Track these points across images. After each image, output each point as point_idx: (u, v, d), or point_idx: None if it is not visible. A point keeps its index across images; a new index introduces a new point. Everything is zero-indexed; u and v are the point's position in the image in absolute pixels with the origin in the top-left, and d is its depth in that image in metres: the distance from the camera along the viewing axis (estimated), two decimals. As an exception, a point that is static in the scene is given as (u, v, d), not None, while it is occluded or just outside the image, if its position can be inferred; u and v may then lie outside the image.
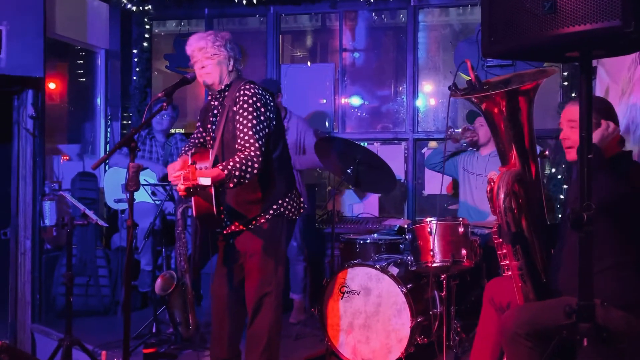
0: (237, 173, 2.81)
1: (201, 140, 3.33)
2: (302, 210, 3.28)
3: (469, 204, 4.43)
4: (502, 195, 2.56)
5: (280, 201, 3.15)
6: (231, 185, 2.84)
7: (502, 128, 2.71)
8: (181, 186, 2.63)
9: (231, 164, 2.82)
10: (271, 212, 3.12)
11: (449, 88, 2.72)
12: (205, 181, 2.66)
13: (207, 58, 3.09)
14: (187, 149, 3.31)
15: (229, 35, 3.16)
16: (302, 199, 3.29)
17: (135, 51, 5.92)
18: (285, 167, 3.23)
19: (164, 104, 2.89)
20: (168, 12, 6.04)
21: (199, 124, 3.34)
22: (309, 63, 6.29)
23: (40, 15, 4.43)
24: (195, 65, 3.13)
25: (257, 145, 2.91)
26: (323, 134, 5.37)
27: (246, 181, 2.87)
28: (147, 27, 5.96)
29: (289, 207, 3.18)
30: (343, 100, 5.74)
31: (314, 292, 4.67)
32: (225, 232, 3.18)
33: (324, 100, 5.79)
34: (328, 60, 6.13)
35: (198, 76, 3.13)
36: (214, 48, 3.09)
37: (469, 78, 2.74)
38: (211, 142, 3.19)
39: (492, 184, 2.64)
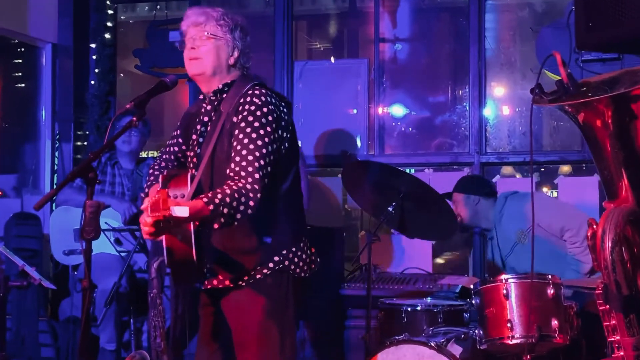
0: (225, 210, 2.79)
1: (178, 154, 3.33)
2: (313, 266, 3.26)
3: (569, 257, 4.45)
4: (609, 243, 2.52)
5: (285, 251, 3.14)
6: (216, 226, 2.84)
7: (607, 148, 2.68)
8: (148, 219, 2.59)
9: (219, 196, 2.79)
10: (271, 265, 3.11)
11: (532, 92, 2.71)
12: (182, 212, 2.61)
13: (203, 38, 3.09)
14: (157, 170, 3.30)
15: (244, 21, 3.17)
16: (313, 251, 3.29)
17: (93, 46, 6.03)
18: (295, 206, 3.24)
19: (134, 118, 2.90)
20: (139, -8, 6.16)
21: (177, 131, 3.34)
22: (332, 59, 6.34)
23: (-35, -1, 4.53)
24: (185, 46, 3.13)
25: (256, 176, 2.91)
26: (353, 156, 5.38)
27: (235, 222, 2.87)
28: (110, 12, 6.07)
29: (295, 259, 3.16)
30: (381, 110, 5.77)
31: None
32: (204, 287, 3.17)
33: (355, 110, 5.82)
34: (359, 55, 6.20)
35: (185, 61, 3.12)
36: (215, 27, 3.09)
37: (559, 78, 2.73)
38: (194, 159, 3.19)
39: (594, 226, 2.61)
